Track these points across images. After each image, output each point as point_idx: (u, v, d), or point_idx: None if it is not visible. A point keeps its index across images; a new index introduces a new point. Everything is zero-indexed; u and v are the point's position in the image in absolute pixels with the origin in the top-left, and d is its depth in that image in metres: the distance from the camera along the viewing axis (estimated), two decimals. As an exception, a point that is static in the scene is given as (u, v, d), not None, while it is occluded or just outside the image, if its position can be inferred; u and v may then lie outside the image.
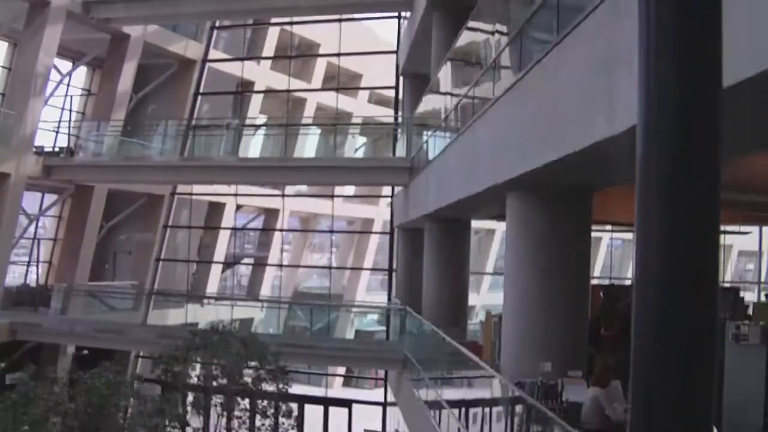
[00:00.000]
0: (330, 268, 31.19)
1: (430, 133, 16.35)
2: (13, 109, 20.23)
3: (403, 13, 22.55)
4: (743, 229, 19.59)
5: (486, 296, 34.38)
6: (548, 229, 8.86)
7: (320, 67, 29.59)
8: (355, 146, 26.14)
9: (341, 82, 29.05)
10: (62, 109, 25.30)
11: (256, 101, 27.71)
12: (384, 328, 27.62)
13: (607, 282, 19.12)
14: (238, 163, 19.71)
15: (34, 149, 21.19)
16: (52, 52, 20.87)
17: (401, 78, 22.60)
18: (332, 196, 28.45)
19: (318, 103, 29.43)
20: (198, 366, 17.35)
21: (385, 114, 29.22)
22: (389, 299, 23.38)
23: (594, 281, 15.90)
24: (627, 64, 4.90)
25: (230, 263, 28.80)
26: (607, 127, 5.58)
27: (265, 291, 30.89)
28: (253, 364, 16.30)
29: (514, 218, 9.28)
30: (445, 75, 14.79)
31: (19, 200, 20.96)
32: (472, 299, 32.86)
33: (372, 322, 35.31)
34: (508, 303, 9.53)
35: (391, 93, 25.32)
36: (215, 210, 27.40)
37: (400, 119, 21.61)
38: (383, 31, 26.35)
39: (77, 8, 21.01)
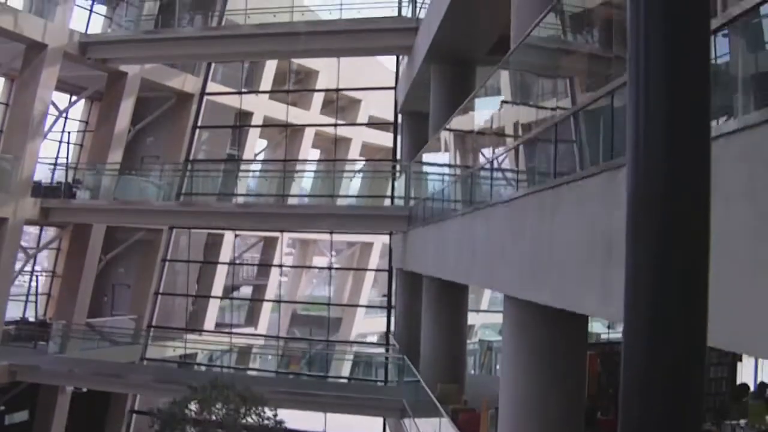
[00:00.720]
0: (329, 304, 31.00)
1: (429, 191, 16.30)
2: (10, 152, 20.18)
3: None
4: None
5: (485, 315, 34.44)
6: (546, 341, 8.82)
7: (319, 92, 29.50)
8: (354, 183, 26.01)
9: (340, 106, 28.94)
10: (60, 142, 25.28)
11: (255, 129, 27.66)
12: (383, 350, 27.70)
13: (604, 338, 18.84)
14: (235, 210, 19.67)
15: (32, 183, 21.16)
16: (49, 94, 20.84)
17: (399, 115, 22.52)
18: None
19: (317, 131, 29.38)
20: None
21: (384, 145, 29.07)
22: (387, 339, 23.37)
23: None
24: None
25: (229, 297, 28.79)
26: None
27: (265, 315, 30.93)
28: (250, 420, 16.31)
29: (510, 326, 9.24)
30: (443, 140, 14.72)
31: (17, 243, 20.95)
32: (472, 318, 33.14)
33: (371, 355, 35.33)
34: (503, 397, 9.52)
35: (390, 115, 25.23)
36: (214, 240, 27.36)
37: (398, 160, 21.51)
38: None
39: (74, 49, 20.94)
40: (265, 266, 30.10)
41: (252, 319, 30.22)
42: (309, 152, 30.16)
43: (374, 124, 29.16)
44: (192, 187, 22.12)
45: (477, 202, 10.51)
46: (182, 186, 21.75)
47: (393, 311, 22.99)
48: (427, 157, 17.01)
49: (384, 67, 28.70)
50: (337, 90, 25.58)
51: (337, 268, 30.31)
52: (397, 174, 21.13)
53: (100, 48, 21.05)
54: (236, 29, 20.19)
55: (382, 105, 27.91)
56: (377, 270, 31.42)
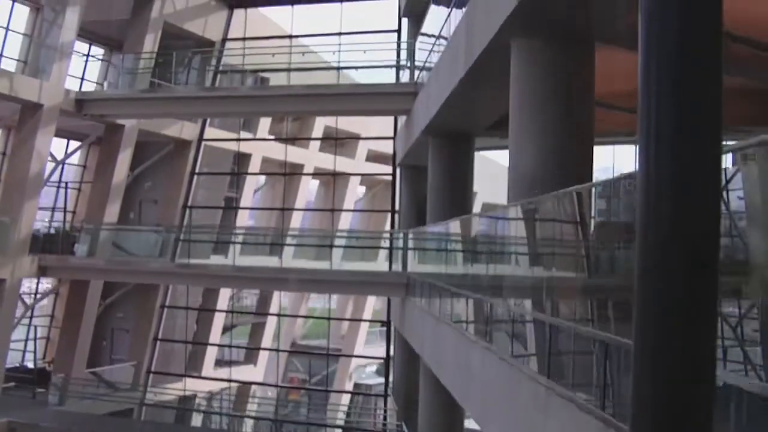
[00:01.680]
0: (329, 318, 31.15)
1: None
2: (7, 212, 20.11)
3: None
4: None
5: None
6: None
7: (318, 128, 29.37)
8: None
9: (339, 142, 28.86)
10: (58, 187, 25.22)
11: (254, 167, 27.60)
12: (383, 380, 27.78)
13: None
14: (231, 273, 19.64)
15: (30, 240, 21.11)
16: (47, 152, 20.78)
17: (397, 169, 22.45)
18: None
19: (316, 167, 29.30)
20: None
21: (384, 177, 28.96)
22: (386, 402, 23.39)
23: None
24: None
25: (228, 345, 28.86)
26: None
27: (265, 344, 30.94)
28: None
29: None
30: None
31: (15, 302, 20.94)
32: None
33: (372, 374, 35.44)
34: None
35: (389, 148, 25.14)
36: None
37: (395, 230, 21.48)
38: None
39: (70, 106, 20.83)
40: (262, 314, 30.09)
41: (252, 355, 30.23)
42: (308, 189, 30.08)
43: (372, 174, 28.94)
44: (189, 250, 22.01)
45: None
46: (177, 247, 21.69)
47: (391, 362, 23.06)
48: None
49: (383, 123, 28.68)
50: (336, 139, 25.46)
51: (335, 318, 30.31)
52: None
53: (97, 105, 20.96)
54: (233, 90, 20.08)
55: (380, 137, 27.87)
56: (375, 321, 31.46)
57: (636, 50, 2.43)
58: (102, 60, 25.79)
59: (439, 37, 15.92)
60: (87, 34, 23.64)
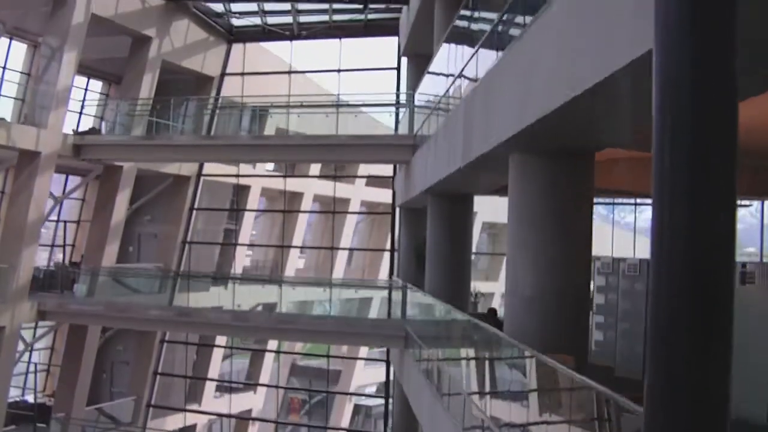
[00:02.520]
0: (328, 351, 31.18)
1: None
2: (6, 259, 20.08)
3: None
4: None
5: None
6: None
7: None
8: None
9: (339, 166, 28.83)
10: (56, 223, 25.21)
11: (253, 199, 27.56)
12: (382, 400, 27.93)
13: None
14: (231, 322, 19.66)
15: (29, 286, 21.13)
16: (45, 199, 20.70)
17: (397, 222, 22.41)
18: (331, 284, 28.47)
19: (315, 194, 29.24)
20: None
21: (384, 201, 28.99)
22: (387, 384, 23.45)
23: None
24: None
25: (227, 381, 28.96)
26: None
27: (265, 373, 31.05)
28: None
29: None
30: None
31: (15, 347, 20.95)
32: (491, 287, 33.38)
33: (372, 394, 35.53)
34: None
35: (389, 170, 25.14)
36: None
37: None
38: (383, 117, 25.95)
39: (68, 151, 20.77)
40: (260, 351, 30.16)
41: (252, 380, 30.33)
42: (308, 215, 30.02)
43: (371, 208, 28.86)
44: (188, 286, 22.04)
45: None
46: (174, 294, 21.73)
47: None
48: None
49: (382, 124, 28.54)
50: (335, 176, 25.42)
51: (334, 356, 30.36)
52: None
53: (94, 150, 20.87)
54: (231, 139, 19.99)
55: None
56: (373, 360, 31.53)
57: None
58: (100, 94, 25.73)
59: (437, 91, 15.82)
60: (85, 69, 23.56)
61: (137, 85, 22.37)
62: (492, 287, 36.53)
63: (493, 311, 14.02)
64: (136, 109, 21.54)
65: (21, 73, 23.36)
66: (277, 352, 31.44)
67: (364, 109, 21.38)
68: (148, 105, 21.87)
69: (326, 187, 28.64)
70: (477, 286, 22.95)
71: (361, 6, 21.15)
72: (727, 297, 2.21)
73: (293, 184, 27.84)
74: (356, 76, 23.59)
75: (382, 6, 21.90)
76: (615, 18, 5.45)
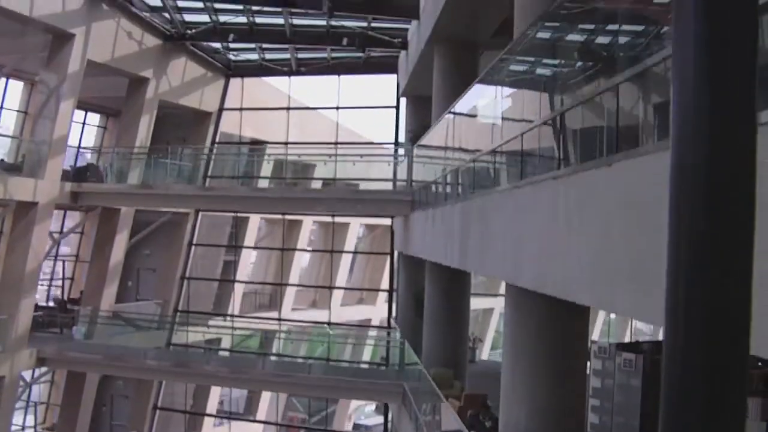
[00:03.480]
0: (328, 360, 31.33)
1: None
2: (5, 309, 20.10)
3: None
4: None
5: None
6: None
7: (316, 184, 29.20)
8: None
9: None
10: (55, 259, 25.21)
11: (252, 228, 27.53)
12: (382, 419, 28.10)
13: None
14: (229, 375, 19.73)
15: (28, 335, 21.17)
16: (43, 248, 20.68)
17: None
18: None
19: (314, 219, 29.21)
20: None
21: (383, 223, 28.92)
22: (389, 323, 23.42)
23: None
24: None
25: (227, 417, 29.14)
26: None
27: (264, 398, 31.23)
28: None
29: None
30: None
31: (15, 395, 21.06)
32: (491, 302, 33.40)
33: (371, 413, 35.76)
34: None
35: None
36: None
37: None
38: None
39: (65, 199, 20.70)
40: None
41: (251, 406, 30.51)
42: (307, 241, 29.99)
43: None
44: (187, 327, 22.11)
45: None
46: (171, 338, 21.80)
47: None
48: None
49: (383, 158, 28.42)
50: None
51: (332, 397, 30.49)
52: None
53: (92, 197, 20.81)
54: (227, 191, 19.89)
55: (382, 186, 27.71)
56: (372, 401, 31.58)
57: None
58: (98, 127, 25.62)
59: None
60: (83, 104, 23.40)
61: (135, 126, 22.24)
62: (492, 303, 36.62)
63: (485, 408, 13.74)
64: (133, 154, 21.37)
65: (18, 111, 23.26)
66: (279, 355, 31.48)
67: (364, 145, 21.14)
68: (145, 149, 21.73)
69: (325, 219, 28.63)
70: (474, 332, 22.97)
71: (360, 52, 20.94)
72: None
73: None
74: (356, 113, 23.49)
75: (381, 50, 21.70)
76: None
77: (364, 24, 20.40)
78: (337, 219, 27.83)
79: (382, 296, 31.24)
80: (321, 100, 28.79)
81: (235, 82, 25.17)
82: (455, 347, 17.34)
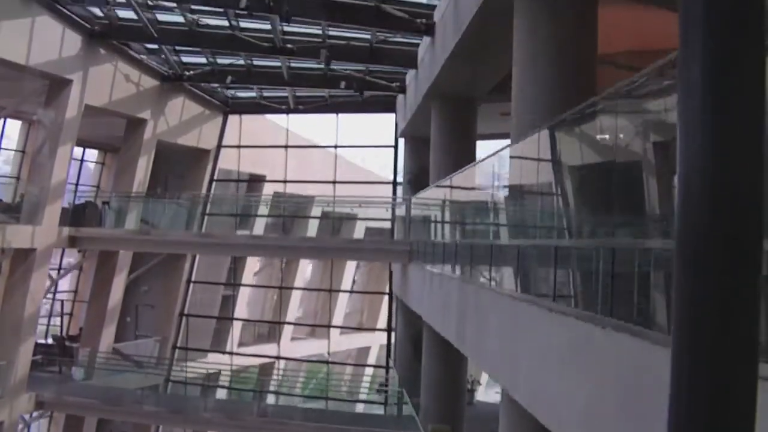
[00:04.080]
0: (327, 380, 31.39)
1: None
2: (4, 355, 20.08)
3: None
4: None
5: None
6: None
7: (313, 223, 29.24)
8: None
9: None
10: (53, 301, 25.21)
11: (250, 268, 27.56)
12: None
13: None
14: (225, 421, 19.74)
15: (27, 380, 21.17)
16: (41, 294, 20.67)
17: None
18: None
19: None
20: None
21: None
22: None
23: None
24: None
25: None
26: None
27: None
28: None
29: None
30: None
31: (14, 438, 21.09)
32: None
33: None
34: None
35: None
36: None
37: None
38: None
39: (63, 243, 20.69)
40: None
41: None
42: (307, 272, 29.99)
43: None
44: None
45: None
46: (169, 375, 21.80)
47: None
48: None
49: (381, 185, 28.38)
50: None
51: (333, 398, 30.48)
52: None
53: (90, 241, 20.80)
54: (225, 238, 19.88)
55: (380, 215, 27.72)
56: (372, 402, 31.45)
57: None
58: (96, 163, 25.61)
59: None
60: (81, 141, 23.38)
61: (133, 167, 22.23)
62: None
63: None
64: (131, 198, 21.38)
65: (15, 151, 23.27)
66: (277, 393, 31.55)
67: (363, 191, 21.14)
68: (143, 194, 21.74)
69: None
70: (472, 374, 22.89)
71: (357, 94, 20.94)
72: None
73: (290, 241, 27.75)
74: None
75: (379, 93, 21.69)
76: None
77: (362, 68, 20.38)
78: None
79: (382, 321, 31.26)
80: (320, 133, 28.72)
81: (233, 118, 25.15)
82: (453, 404, 17.23)
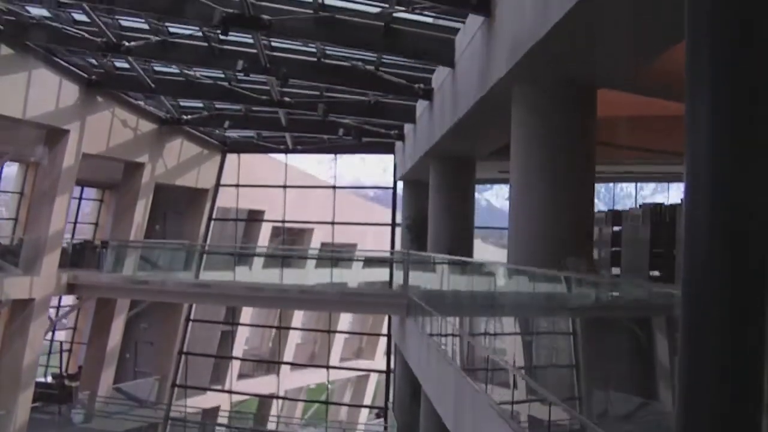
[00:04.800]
0: (327, 403, 31.42)
1: None
2: (2, 406, 20.07)
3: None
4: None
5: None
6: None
7: (315, 244, 29.19)
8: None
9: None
10: (51, 342, 25.19)
11: (248, 309, 27.58)
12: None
13: None
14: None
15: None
16: (40, 343, 20.66)
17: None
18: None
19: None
20: None
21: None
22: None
23: None
24: None
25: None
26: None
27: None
28: None
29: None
30: None
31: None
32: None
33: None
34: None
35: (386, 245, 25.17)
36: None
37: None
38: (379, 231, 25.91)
39: (61, 291, 20.66)
40: None
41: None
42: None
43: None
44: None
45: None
46: (168, 413, 21.82)
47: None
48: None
49: (380, 217, 28.34)
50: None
51: (334, 403, 30.61)
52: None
53: (88, 289, 20.76)
54: (224, 288, 19.84)
55: (378, 245, 27.72)
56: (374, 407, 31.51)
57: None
58: (94, 200, 25.57)
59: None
60: (79, 180, 23.32)
61: (131, 211, 22.20)
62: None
63: None
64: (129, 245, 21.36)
65: (13, 193, 23.21)
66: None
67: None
68: (140, 242, 21.72)
69: (324, 276, 28.52)
70: None
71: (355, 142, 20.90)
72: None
73: (290, 277, 27.71)
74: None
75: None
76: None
77: (361, 118, 20.31)
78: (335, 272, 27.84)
79: (381, 348, 31.25)
80: (319, 167, 28.63)
81: (231, 156, 25.09)
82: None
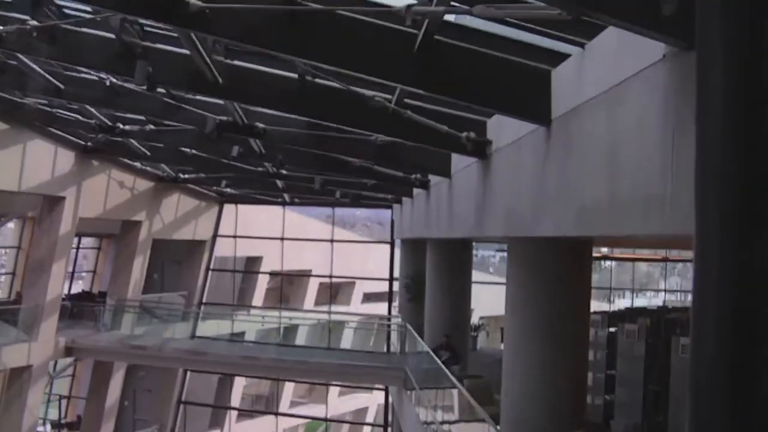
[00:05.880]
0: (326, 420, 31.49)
1: None
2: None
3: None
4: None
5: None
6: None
7: (313, 286, 29.21)
8: None
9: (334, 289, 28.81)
10: (49, 394, 25.15)
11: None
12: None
13: None
14: None
15: None
16: (38, 408, 20.68)
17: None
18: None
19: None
20: None
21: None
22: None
23: None
24: None
25: None
26: None
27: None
28: None
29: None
30: None
31: None
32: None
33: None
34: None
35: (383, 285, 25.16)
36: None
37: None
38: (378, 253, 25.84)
39: (59, 355, 20.68)
40: None
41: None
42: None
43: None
44: None
45: None
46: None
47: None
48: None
49: (378, 253, 28.25)
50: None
51: (334, 420, 30.77)
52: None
53: (86, 352, 20.77)
54: (221, 357, 19.85)
55: (376, 282, 27.68)
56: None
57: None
58: (92, 248, 25.52)
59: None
60: (77, 233, 23.28)
61: (128, 268, 22.17)
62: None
63: None
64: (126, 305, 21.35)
65: (10, 248, 23.16)
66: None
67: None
68: (137, 302, 21.70)
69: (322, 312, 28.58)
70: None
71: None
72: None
73: (289, 315, 27.79)
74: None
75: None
76: None
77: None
78: (334, 318, 27.86)
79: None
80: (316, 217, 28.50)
81: (229, 206, 25.00)
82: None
